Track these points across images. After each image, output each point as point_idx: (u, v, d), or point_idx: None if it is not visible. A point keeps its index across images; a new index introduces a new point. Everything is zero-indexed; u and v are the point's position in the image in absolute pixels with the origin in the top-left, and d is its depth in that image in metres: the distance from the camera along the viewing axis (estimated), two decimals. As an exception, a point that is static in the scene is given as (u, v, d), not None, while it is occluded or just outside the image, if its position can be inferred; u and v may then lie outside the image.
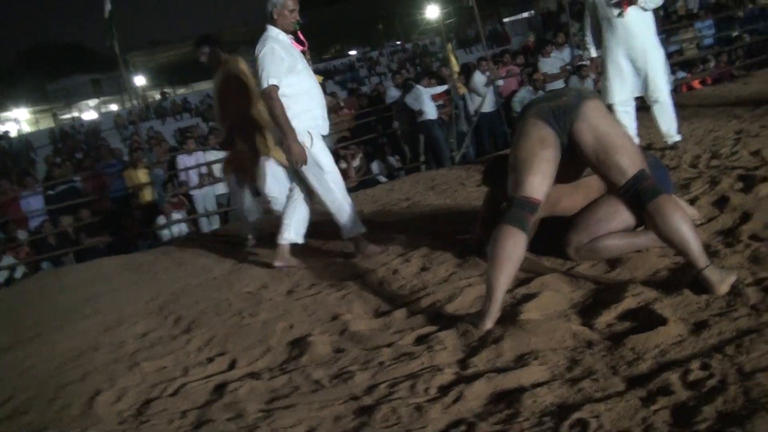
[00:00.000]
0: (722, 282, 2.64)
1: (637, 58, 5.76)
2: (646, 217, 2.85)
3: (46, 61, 60.26)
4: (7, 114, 48.72)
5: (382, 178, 10.74)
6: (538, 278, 3.26)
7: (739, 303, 2.51)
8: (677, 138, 5.91)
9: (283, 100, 4.39)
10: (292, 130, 4.40)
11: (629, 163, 2.89)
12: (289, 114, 4.42)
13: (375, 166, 11.01)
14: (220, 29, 45.31)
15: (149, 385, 3.10)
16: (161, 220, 9.86)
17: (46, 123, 45.50)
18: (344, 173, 10.53)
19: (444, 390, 2.32)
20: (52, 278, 7.14)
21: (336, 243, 5.07)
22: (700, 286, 2.67)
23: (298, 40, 4.69)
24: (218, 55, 5.79)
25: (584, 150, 2.96)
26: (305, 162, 4.45)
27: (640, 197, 2.84)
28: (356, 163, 10.79)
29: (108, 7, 9.17)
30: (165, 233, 9.83)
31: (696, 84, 12.49)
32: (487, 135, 11.15)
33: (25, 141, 31.22)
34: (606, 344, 2.43)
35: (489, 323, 2.79)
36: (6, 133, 34.22)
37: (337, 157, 10.97)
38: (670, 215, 2.74)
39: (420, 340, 2.89)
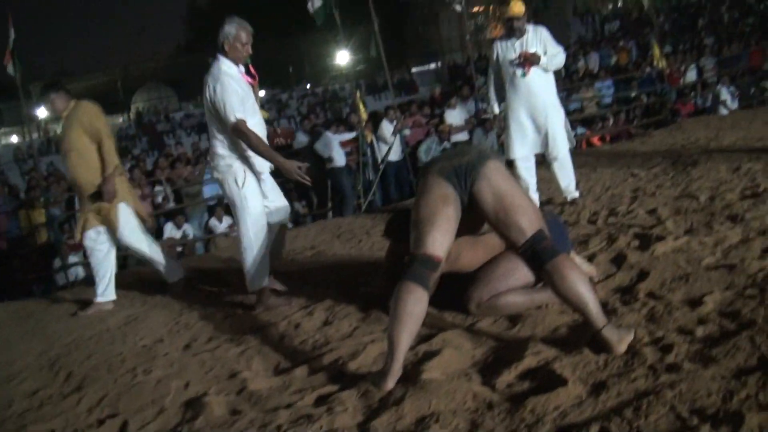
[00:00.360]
0: (620, 341, 2.68)
1: (538, 116, 5.93)
2: (544, 277, 2.89)
3: (-60, 89, 57.49)
4: None
5: (288, 224, 10.61)
6: (440, 335, 3.24)
7: (637, 363, 2.55)
8: (576, 194, 6.08)
9: (227, 135, 4.35)
10: (274, 153, 4.34)
11: (528, 223, 2.93)
12: (232, 151, 4.39)
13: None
14: (128, 63, 44.40)
15: (36, 450, 2.90)
16: (57, 262, 9.45)
17: (-60, 154, 43.31)
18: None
19: (343, 457, 2.25)
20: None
21: (237, 294, 4.94)
22: (599, 344, 2.70)
23: (248, 73, 4.57)
24: (65, 100, 5.46)
25: (484, 209, 3.00)
26: (307, 173, 4.36)
27: (538, 257, 2.88)
28: (263, 208, 10.64)
29: (12, 34, 8.86)
30: (61, 277, 9.41)
31: (595, 140, 12.98)
32: (393, 183, 11.23)
33: None
34: (506, 406, 2.42)
35: (390, 383, 2.74)
36: None
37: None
38: (567, 275, 2.79)
39: (320, 400, 2.81)
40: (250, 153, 4.40)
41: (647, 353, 2.61)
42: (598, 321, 2.73)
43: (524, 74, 5.87)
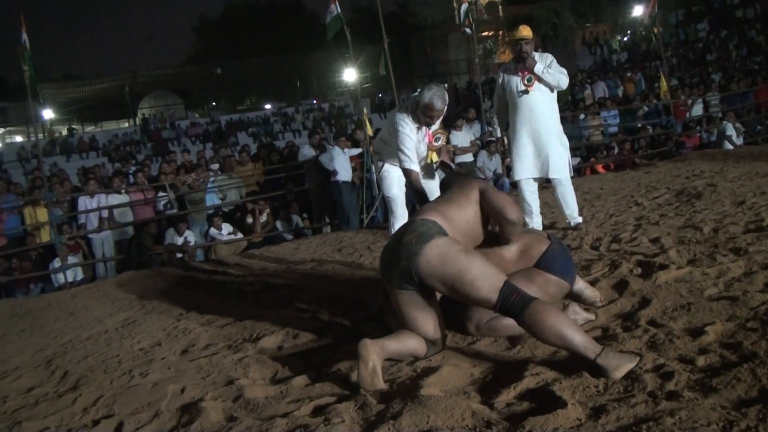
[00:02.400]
0: (616, 369, 2.68)
1: (538, 140, 5.93)
2: (524, 328, 2.97)
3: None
4: None
5: (288, 236, 10.63)
6: (439, 352, 3.23)
7: (637, 389, 2.54)
8: (579, 220, 6.08)
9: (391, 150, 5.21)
10: (421, 197, 4.77)
11: (488, 290, 3.01)
12: (389, 162, 5.48)
13: (279, 224, 10.89)
14: (136, 69, 44.49)
15: (29, 448, 2.88)
16: (56, 263, 9.45)
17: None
18: (250, 228, 10.40)
19: (338, 468, 2.23)
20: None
21: (235, 301, 4.93)
22: (597, 372, 2.70)
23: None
24: None
25: (444, 293, 3.19)
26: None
27: (511, 313, 2.96)
28: (263, 218, 10.66)
29: (24, 36, 8.94)
30: (59, 277, 9.41)
31: (600, 168, 13.01)
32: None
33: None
34: (505, 425, 2.40)
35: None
36: None
37: (245, 210, 10.82)
38: (542, 322, 2.85)
39: (317, 411, 2.79)
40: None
41: (648, 380, 2.59)
42: (589, 353, 2.75)
43: (527, 91, 5.87)
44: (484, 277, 3.03)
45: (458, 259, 3.08)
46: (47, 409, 3.33)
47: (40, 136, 21.34)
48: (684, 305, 3.46)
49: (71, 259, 9.67)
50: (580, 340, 2.79)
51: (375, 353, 2.96)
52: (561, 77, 5.94)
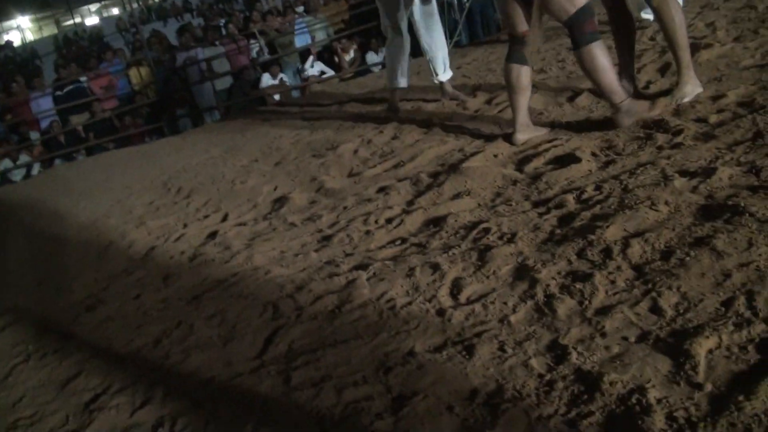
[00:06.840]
0: (629, 114, 3.24)
1: None
2: (576, 58, 3.39)
3: (45, -34, 58.60)
4: (9, 23, 48.26)
5: (377, 69, 10.94)
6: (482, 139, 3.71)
7: (649, 145, 2.94)
8: (648, 17, 6.16)
9: None
10: None
11: (561, 8, 3.30)
12: None
13: (370, 57, 11.18)
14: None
15: (154, 237, 3.61)
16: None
17: (49, 30, 45.09)
18: (338, 66, 10.80)
19: (390, 221, 2.80)
20: (67, 169, 7.66)
21: (320, 121, 5.48)
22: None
23: None
24: None
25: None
26: None
27: (574, 38, 3.31)
28: (350, 55, 10.99)
29: None
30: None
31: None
32: (478, 22, 11.27)
33: (30, 49, 31.07)
34: (528, 181, 2.89)
35: (519, 135, 3.44)
36: (9, 42, 33.75)
37: (331, 50, 11.17)
38: (594, 60, 3.25)
39: (381, 190, 3.36)
40: None
41: (659, 137, 2.97)
42: (615, 97, 3.23)
43: None
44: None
45: None
46: (166, 213, 4.08)
47: (135, 5, 22.08)
48: (718, 77, 3.73)
49: (179, 112, 10.42)
50: (613, 85, 3.25)
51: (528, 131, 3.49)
52: None
